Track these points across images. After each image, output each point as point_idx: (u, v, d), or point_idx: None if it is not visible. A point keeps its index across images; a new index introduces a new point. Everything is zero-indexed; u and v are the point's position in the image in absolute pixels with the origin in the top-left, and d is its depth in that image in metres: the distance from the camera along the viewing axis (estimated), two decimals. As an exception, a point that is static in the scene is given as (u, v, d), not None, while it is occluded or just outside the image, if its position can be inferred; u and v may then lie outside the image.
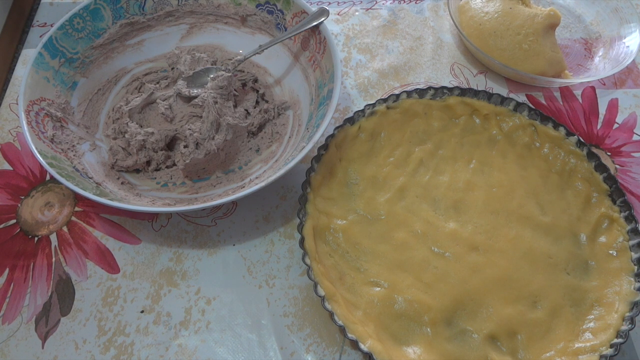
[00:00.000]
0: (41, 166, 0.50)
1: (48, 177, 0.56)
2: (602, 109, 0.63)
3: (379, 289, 0.46)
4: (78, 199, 0.55)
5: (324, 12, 0.57)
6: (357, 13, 0.73)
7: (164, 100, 0.56)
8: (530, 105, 0.59)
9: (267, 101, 0.61)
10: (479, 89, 0.59)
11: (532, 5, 0.66)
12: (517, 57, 0.62)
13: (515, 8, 0.64)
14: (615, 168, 0.58)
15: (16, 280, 0.49)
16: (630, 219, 0.48)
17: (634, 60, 0.66)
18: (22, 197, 0.55)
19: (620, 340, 0.42)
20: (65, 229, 0.53)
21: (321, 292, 0.44)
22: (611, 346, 0.42)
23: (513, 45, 0.62)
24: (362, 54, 0.68)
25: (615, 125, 0.61)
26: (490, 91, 0.56)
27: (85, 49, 0.59)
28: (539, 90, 0.65)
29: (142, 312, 0.48)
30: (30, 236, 0.52)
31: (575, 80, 0.62)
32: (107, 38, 0.60)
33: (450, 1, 0.67)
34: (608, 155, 0.59)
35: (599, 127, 0.61)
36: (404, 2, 0.75)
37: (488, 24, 0.64)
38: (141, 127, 0.55)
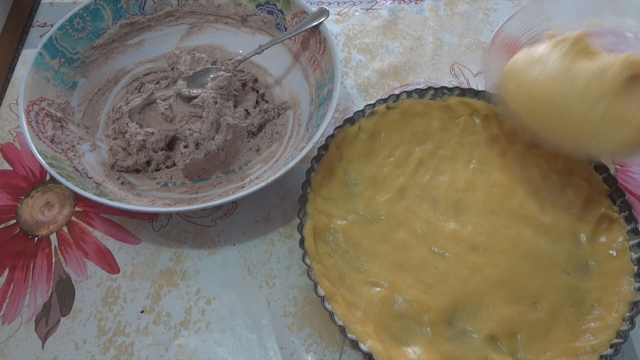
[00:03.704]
0: (41, 166, 0.50)
1: (48, 177, 0.56)
2: (602, 109, 0.63)
3: (379, 289, 0.46)
4: (78, 199, 0.55)
5: (324, 12, 0.57)
6: (357, 13, 0.73)
7: (164, 100, 0.56)
8: (530, 105, 0.58)
9: (267, 101, 0.61)
10: (479, 89, 0.59)
11: (600, 56, 0.46)
12: (592, 131, 0.44)
13: (574, 66, 0.45)
14: (615, 168, 0.58)
15: (16, 280, 0.49)
16: (630, 219, 0.48)
17: None
18: (22, 197, 0.55)
19: (620, 340, 0.42)
20: (65, 229, 0.53)
21: (321, 292, 0.44)
22: (611, 346, 0.42)
23: (581, 107, 0.44)
24: (362, 54, 0.68)
25: (615, 126, 0.61)
26: (490, 91, 0.56)
27: (85, 49, 0.59)
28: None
29: (142, 312, 0.48)
30: (30, 236, 0.52)
31: None
32: (107, 38, 0.60)
33: (490, 65, 0.51)
34: (608, 155, 0.59)
35: (599, 127, 0.61)
36: (404, 2, 0.75)
37: (541, 92, 0.46)
38: (141, 127, 0.55)
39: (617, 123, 0.43)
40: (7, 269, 0.50)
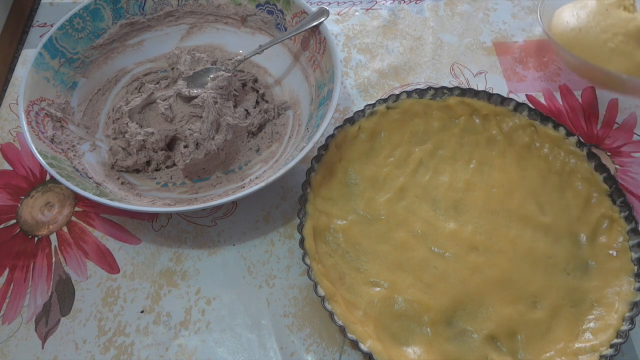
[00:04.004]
0: (41, 166, 0.50)
1: (48, 177, 0.56)
2: (602, 109, 0.63)
3: (379, 289, 0.46)
4: (78, 199, 0.55)
5: (324, 12, 0.57)
6: (357, 13, 0.73)
7: (164, 100, 0.56)
8: (530, 105, 0.59)
9: (267, 101, 0.61)
10: (479, 89, 0.59)
11: (636, 12, 0.60)
12: (600, 57, 0.57)
13: (612, 10, 0.59)
14: (615, 168, 0.58)
15: (16, 280, 0.49)
16: (630, 219, 0.48)
17: None
18: (22, 197, 0.55)
19: (620, 340, 0.42)
20: (65, 229, 0.53)
21: (321, 292, 0.44)
22: (611, 346, 0.42)
23: (597, 42, 0.57)
24: (362, 54, 0.68)
25: (615, 126, 0.61)
26: (490, 91, 0.56)
27: (85, 49, 0.59)
28: (538, 90, 0.65)
29: (142, 312, 0.48)
30: (30, 236, 0.52)
31: None
32: (107, 38, 0.60)
33: (542, 8, 0.63)
34: (608, 155, 0.59)
35: (599, 127, 0.61)
36: (404, 2, 0.75)
37: (575, 22, 0.60)
38: (141, 127, 0.55)
39: (623, 55, 0.57)
40: (7, 269, 0.50)
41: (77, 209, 0.54)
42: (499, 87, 0.65)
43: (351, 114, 0.54)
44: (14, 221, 0.53)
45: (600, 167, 0.51)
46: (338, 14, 0.73)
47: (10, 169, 0.57)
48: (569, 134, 0.53)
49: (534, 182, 0.52)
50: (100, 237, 0.52)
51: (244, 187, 0.53)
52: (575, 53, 0.58)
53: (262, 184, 0.46)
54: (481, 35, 0.71)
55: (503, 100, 0.55)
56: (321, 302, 0.43)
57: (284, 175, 0.47)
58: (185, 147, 0.53)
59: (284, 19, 0.60)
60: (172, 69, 0.60)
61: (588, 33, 0.58)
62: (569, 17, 0.61)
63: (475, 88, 0.60)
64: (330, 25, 0.71)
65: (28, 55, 0.67)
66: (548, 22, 0.63)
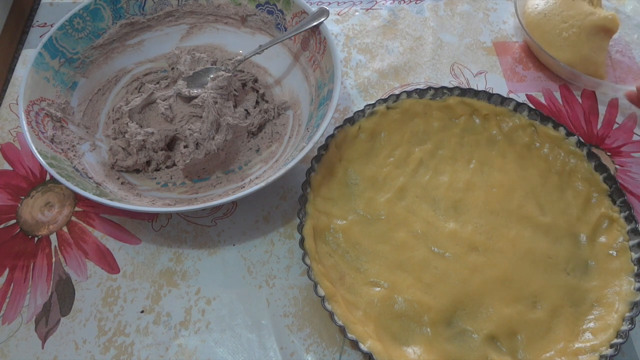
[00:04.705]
0: (41, 166, 0.50)
1: (48, 177, 0.56)
2: (602, 109, 0.63)
3: (379, 289, 0.46)
4: (78, 199, 0.55)
5: (324, 12, 0.57)
6: (357, 13, 0.73)
7: (164, 100, 0.56)
8: (530, 105, 0.59)
9: (267, 101, 0.61)
10: (479, 89, 0.59)
11: (600, 7, 0.65)
12: (554, 44, 0.62)
13: (578, 1, 0.63)
14: (615, 168, 0.58)
15: (16, 280, 0.49)
16: (630, 219, 0.48)
17: (634, 59, 0.67)
18: (22, 197, 0.55)
19: (620, 340, 0.42)
20: (65, 229, 0.53)
21: (321, 292, 0.44)
22: (611, 346, 0.42)
23: (554, 30, 0.62)
24: (362, 54, 0.68)
25: (615, 126, 0.62)
26: (490, 91, 0.56)
27: (85, 49, 0.59)
28: (538, 90, 0.65)
29: (142, 312, 0.48)
30: (30, 236, 0.52)
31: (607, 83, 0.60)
32: (107, 38, 0.60)
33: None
34: (608, 155, 0.59)
35: (599, 127, 0.61)
36: (404, 2, 0.75)
37: (543, 6, 0.64)
38: (141, 127, 0.55)
39: (571, 46, 0.62)
40: (7, 269, 0.50)
41: (77, 209, 0.54)
42: (499, 87, 0.65)
43: (351, 114, 0.54)
44: (14, 221, 0.53)
45: (600, 167, 0.51)
46: (338, 14, 0.73)
47: (10, 169, 0.57)
48: (569, 134, 0.53)
49: (534, 182, 0.52)
50: (100, 237, 0.52)
51: (244, 187, 0.53)
52: (536, 36, 0.63)
53: (262, 184, 0.46)
54: (481, 35, 0.71)
55: (503, 100, 0.55)
56: (321, 302, 0.43)
57: (284, 175, 0.47)
58: (185, 147, 0.53)
59: (284, 19, 0.60)
60: (172, 69, 0.60)
61: (550, 20, 0.63)
62: (539, 0, 0.66)
63: (475, 88, 0.60)
64: (330, 25, 0.71)
65: (28, 55, 0.67)
66: (523, 4, 0.67)
